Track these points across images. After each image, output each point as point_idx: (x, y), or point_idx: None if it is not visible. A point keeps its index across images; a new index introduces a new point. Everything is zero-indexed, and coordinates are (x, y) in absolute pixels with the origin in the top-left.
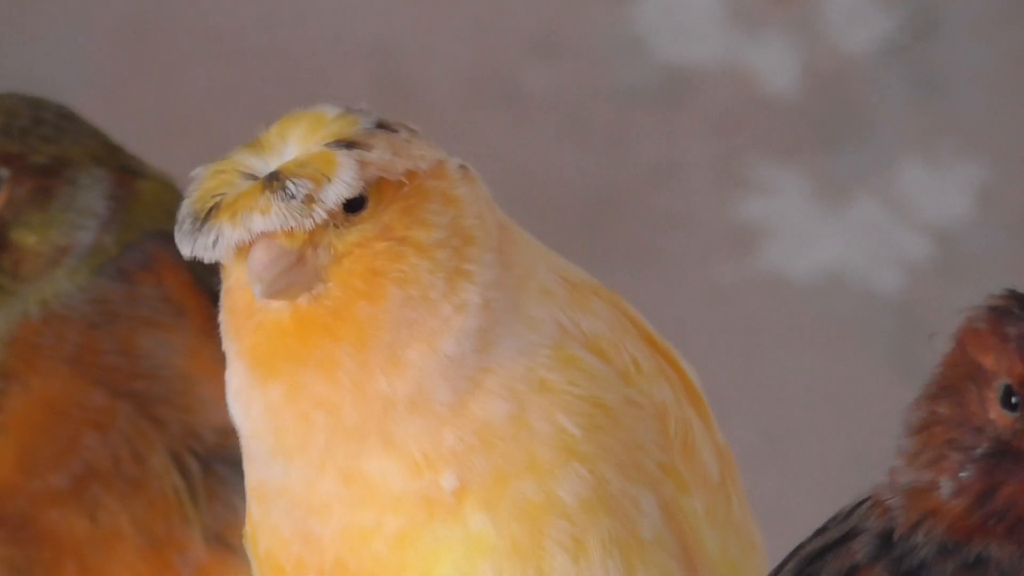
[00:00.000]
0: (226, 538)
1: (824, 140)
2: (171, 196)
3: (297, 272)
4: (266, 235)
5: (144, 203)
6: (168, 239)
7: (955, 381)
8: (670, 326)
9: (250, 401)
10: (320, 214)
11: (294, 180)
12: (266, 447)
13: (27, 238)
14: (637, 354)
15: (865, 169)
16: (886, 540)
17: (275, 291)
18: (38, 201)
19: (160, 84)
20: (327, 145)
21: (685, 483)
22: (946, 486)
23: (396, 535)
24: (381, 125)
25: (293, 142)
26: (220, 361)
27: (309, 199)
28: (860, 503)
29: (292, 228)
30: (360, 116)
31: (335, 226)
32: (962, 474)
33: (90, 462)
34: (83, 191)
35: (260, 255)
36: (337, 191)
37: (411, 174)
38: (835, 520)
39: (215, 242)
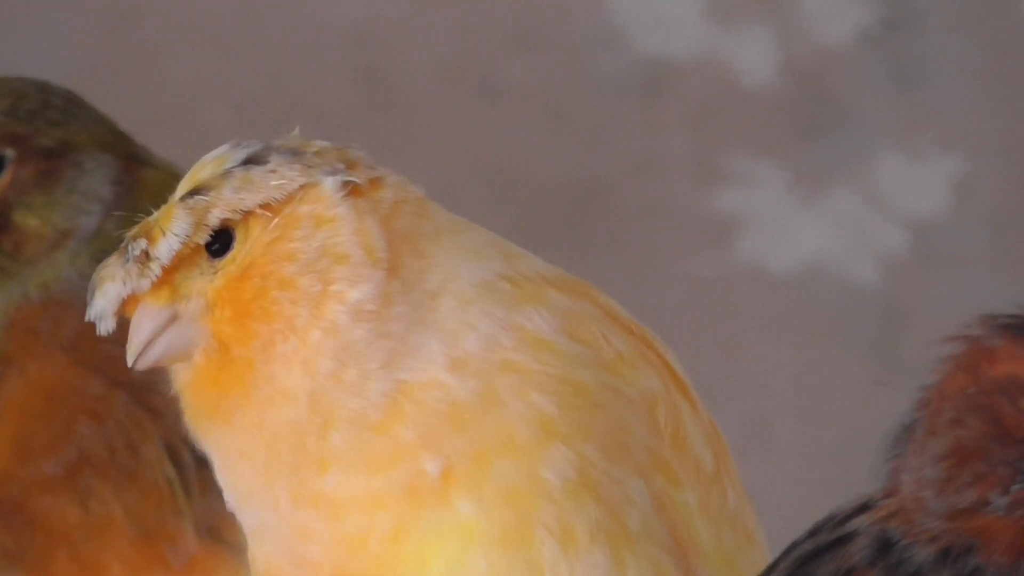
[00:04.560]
0: (218, 531)
1: (803, 132)
2: (176, 186)
3: (176, 332)
4: (136, 300)
5: (149, 192)
6: None
7: (979, 401)
8: (649, 318)
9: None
10: (155, 271)
11: (133, 241)
12: (229, 498)
13: (30, 220)
14: (618, 343)
15: (843, 161)
16: (883, 545)
17: (149, 358)
18: (43, 183)
19: (142, 75)
20: (181, 197)
21: (676, 476)
22: (999, 502)
23: (390, 531)
24: (250, 160)
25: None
26: None
27: (144, 257)
28: (856, 507)
29: (133, 290)
30: (234, 154)
31: (201, 274)
32: (1015, 486)
33: (84, 450)
34: (88, 175)
35: (133, 323)
36: (169, 245)
37: (272, 206)
38: (829, 522)
39: (97, 315)
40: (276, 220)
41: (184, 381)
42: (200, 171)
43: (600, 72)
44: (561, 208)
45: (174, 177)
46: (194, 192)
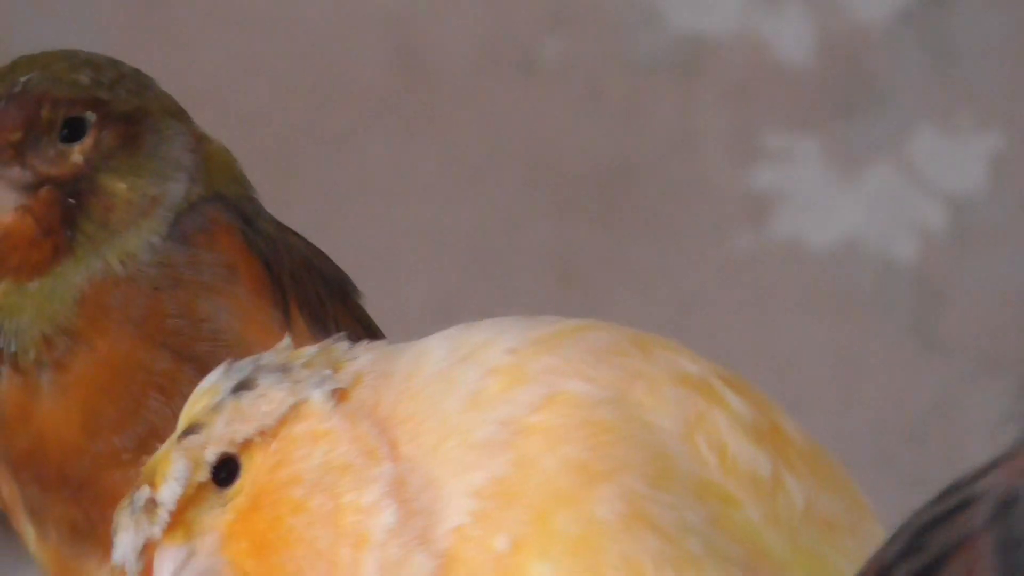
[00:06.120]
0: None
1: (839, 109)
2: (232, 161)
3: (195, 567)
4: (154, 546)
5: (215, 163)
6: (226, 202)
7: None
8: (687, 295)
9: None
10: (163, 517)
11: (138, 489)
12: None
13: (117, 184)
14: (637, 380)
15: (880, 138)
16: (1005, 505)
17: None
18: (126, 147)
19: (176, 53)
20: (178, 436)
21: (731, 496)
22: None
23: None
24: (240, 386)
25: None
26: (270, 326)
27: (151, 504)
28: (985, 467)
29: (148, 537)
30: (224, 382)
31: (211, 508)
32: None
33: (153, 425)
34: (168, 142)
35: (154, 569)
36: (171, 491)
37: (267, 431)
38: (955, 486)
39: (120, 563)
40: (274, 444)
41: None
42: (194, 406)
43: (637, 50)
44: (598, 186)
45: (228, 153)
46: (188, 431)
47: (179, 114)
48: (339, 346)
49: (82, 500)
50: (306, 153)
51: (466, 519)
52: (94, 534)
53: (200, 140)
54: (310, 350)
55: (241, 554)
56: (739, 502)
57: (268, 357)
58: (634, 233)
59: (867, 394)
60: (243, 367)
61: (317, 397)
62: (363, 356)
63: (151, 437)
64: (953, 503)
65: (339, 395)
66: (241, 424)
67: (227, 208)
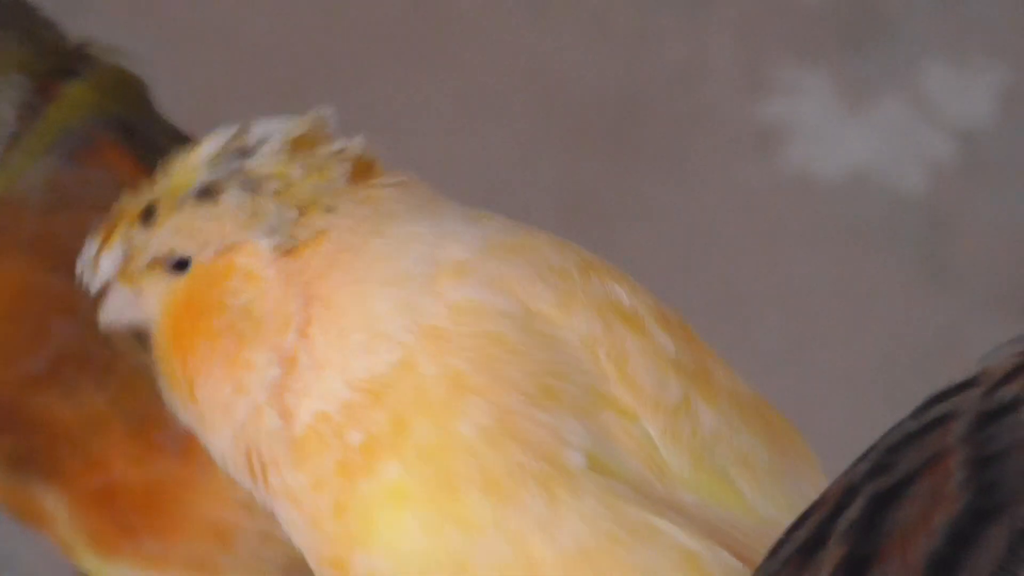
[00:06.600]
0: None
1: (849, 41)
2: (101, 96)
3: (131, 309)
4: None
5: (63, 107)
6: (108, 123)
7: None
8: (695, 227)
9: None
10: (100, 279)
11: (96, 236)
12: None
13: None
14: (548, 289)
15: (890, 70)
16: (982, 420)
17: (106, 323)
18: None
19: None
20: (141, 211)
21: (628, 409)
22: None
23: (333, 509)
24: (207, 190)
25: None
26: None
27: (94, 262)
28: (963, 382)
29: (86, 285)
30: (203, 172)
31: (159, 280)
32: None
33: (61, 346)
34: None
35: (106, 303)
36: (106, 267)
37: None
38: (931, 401)
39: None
40: (220, 262)
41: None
42: (168, 177)
43: None
44: (607, 118)
45: (100, 90)
46: (147, 212)
47: (34, 59)
48: (333, 177)
49: (12, 428)
50: (315, 88)
51: (331, 406)
52: (34, 461)
53: (48, 87)
54: (297, 174)
55: (166, 330)
56: (634, 415)
57: (258, 158)
58: (643, 165)
59: (875, 326)
60: (231, 159)
61: (263, 245)
62: (344, 214)
63: (61, 359)
64: (928, 420)
65: (288, 248)
66: (185, 238)
67: (110, 125)
